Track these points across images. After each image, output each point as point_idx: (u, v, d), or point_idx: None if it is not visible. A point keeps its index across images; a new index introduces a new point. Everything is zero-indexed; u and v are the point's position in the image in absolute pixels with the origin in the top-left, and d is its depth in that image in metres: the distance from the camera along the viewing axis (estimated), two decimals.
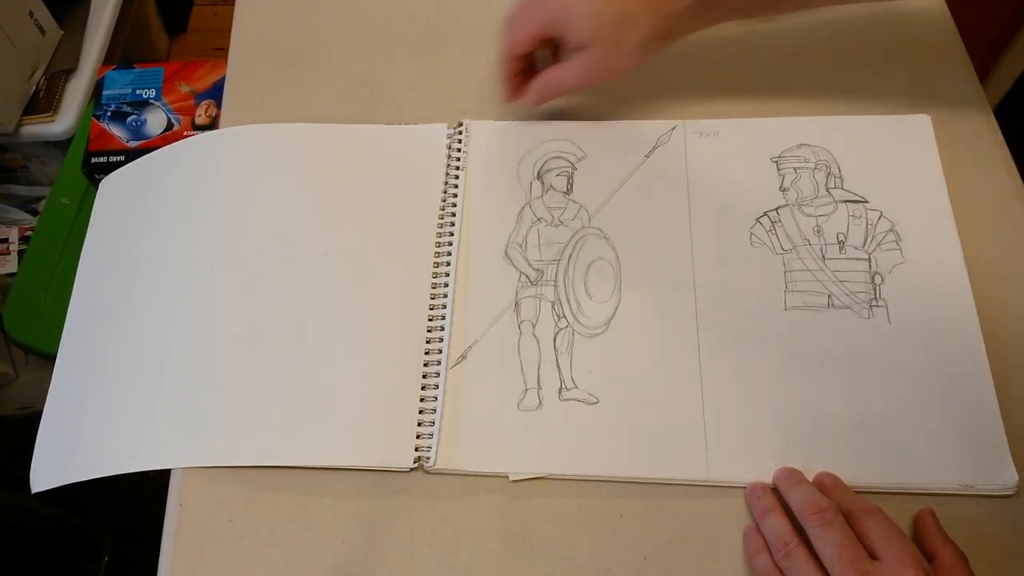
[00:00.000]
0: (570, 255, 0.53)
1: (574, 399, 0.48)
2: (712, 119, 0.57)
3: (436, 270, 0.53)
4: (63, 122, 1.06)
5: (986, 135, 0.56)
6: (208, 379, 0.50)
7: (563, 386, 0.49)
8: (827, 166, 0.55)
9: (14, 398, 1.05)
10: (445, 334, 0.50)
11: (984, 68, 1.10)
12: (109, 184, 0.62)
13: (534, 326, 0.51)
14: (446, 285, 0.52)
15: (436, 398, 0.48)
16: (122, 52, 1.22)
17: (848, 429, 0.46)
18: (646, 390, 0.48)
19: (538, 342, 0.50)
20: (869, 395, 0.47)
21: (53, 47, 1.09)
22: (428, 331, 0.51)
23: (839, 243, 0.52)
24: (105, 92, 0.99)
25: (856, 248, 0.51)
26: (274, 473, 0.47)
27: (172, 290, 0.54)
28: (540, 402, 0.48)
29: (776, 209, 0.53)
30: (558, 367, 0.49)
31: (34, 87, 1.06)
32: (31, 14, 1.03)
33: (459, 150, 0.58)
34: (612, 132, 0.58)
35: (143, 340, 0.53)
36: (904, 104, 0.58)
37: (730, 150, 0.56)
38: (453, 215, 0.55)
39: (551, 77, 0.53)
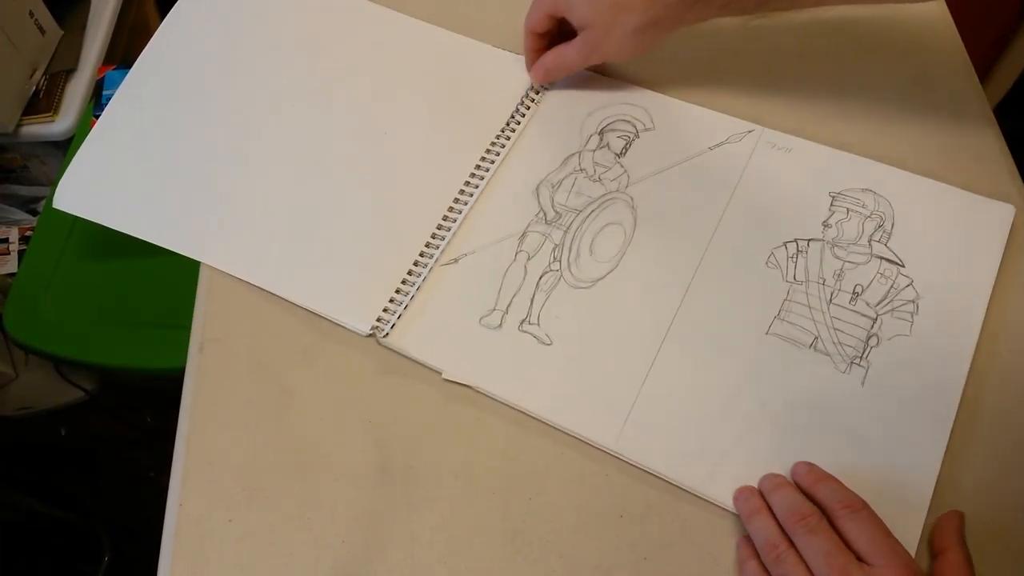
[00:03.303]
0: (592, 210, 0.54)
1: (530, 334, 0.50)
2: (789, 134, 0.56)
3: (470, 179, 0.56)
4: (63, 122, 1.06)
5: (986, 135, 0.56)
6: (244, 193, 0.55)
7: (528, 319, 0.51)
8: (881, 218, 0.52)
9: (14, 398, 1.04)
10: (449, 235, 0.53)
11: (984, 68, 1.10)
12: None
13: (529, 259, 0.53)
14: (471, 195, 0.55)
15: (415, 284, 0.52)
16: (122, 52, 1.22)
17: (778, 467, 0.45)
18: (599, 352, 0.49)
19: (525, 273, 0.52)
20: (809, 446, 0.46)
21: (53, 47, 1.09)
22: (437, 227, 0.54)
23: (854, 294, 0.50)
24: (105, 92, 0.99)
25: (868, 305, 0.50)
26: (274, 473, 0.47)
27: (241, 106, 0.59)
28: (500, 324, 0.50)
29: (808, 240, 0.52)
30: (532, 301, 0.51)
31: (34, 87, 1.06)
32: (31, 14, 1.03)
33: (540, 88, 0.60)
34: (689, 115, 0.58)
35: (201, 136, 0.58)
36: (904, 103, 0.58)
37: (795, 169, 0.55)
38: (508, 138, 0.57)
39: (553, 55, 0.56)
